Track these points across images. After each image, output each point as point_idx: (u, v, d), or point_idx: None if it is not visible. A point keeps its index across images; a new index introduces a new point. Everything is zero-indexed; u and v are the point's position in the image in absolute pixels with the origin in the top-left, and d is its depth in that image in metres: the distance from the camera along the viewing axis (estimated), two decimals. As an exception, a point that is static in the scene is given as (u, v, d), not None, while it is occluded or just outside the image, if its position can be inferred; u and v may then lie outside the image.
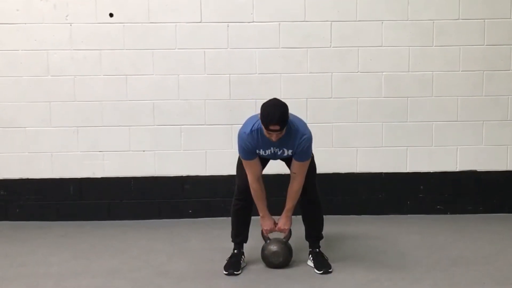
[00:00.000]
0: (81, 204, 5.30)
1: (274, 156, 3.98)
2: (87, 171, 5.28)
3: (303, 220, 4.17)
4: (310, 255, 4.12)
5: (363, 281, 3.84)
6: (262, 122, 3.69)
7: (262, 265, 4.12)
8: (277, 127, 3.65)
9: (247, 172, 3.96)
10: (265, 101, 3.78)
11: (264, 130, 3.73)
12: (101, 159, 5.27)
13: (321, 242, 4.18)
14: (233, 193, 4.14)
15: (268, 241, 4.14)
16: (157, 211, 5.33)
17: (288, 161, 4.04)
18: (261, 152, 3.91)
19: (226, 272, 3.97)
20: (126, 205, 5.32)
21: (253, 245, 4.29)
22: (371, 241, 4.65)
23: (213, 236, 4.81)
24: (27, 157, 5.24)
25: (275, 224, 4.14)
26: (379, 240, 4.68)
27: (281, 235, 4.19)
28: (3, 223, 5.25)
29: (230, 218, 4.19)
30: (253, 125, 3.86)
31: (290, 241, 4.16)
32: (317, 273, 3.98)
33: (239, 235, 4.15)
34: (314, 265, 4.05)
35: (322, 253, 4.12)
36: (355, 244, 4.57)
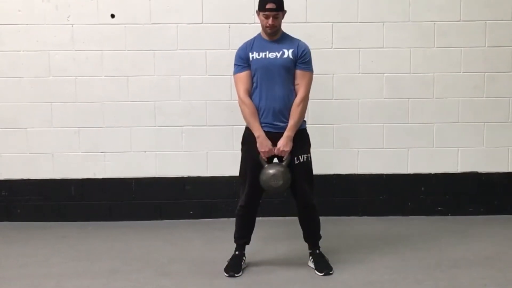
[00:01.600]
0: (82, 205, 5.31)
1: (271, 67, 3.90)
2: (88, 172, 5.28)
3: (300, 224, 4.14)
4: (311, 257, 4.11)
5: (365, 282, 3.84)
6: (259, 6, 3.89)
7: (263, 267, 4.12)
8: (272, 5, 3.82)
9: (238, 88, 3.98)
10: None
11: (262, 18, 3.88)
12: (102, 160, 5.27)
13: (322, 244, 4.16)
14: (235, 194, 4.14)
15: (266, 165, 3.90)
16: (158, 212, 5.34)
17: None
18: (255, 55, 3.94)
19: (227, 274, 3.97)
20: (127, 206, 5.32)
21: (254, 247, 4.29)
22: (372, 242, 4.65)
23: (214, 237, 4.81)
24: (29, 157, 5.25)
25: (274, 146, 3.91)
26: (380, 241, 4.68)
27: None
28: (4, 223, 5.25)
29: (231, 219, 4.19)
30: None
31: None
32: (318, 274, 3.98)
33: (243, 238, 4.14)
34: (315, 266, 4.04)
35: (323, 255, 4.12)
36: (356, 245, 4.57)
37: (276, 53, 3.93)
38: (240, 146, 4.12)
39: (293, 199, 4.05)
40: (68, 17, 5.14)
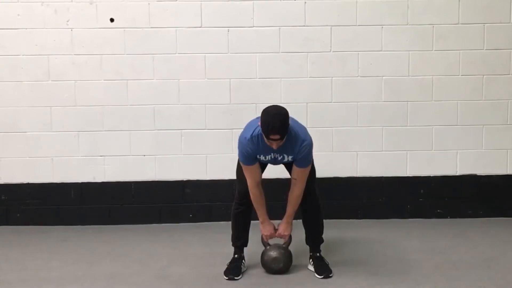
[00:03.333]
0: (82, 209, 5.31)
1: (275, 161, 3.97)
2: (88, 175, 5.28)
3: (304, 224, 4.17)
4: (311, 260, 4.13)
5: (364, 285, 3.84)
6: (263, 131, 3.69)
7: (262, 270, 4.13)
8: (277, 137, 3.66)
9: (247, 177, 3.96)
10: (266, 106, 3.79)
11: (265, 138, 3.73)
12: (101, 164, 5.27)
13: (322, 246, 4.19)
14: (234, 197, 4.15)
15: (268, 247, 4.12)
16: (158, 215, 5.34)
17: (288, 166, 4.04)
18: (261, 157, 3.91)
19: (227, 278, 3.97)
20: (126, 210, 5.32)
21: (253, 250, 4.29)
22: (372, 245, 4.65)
23: (213, 240, 4.81)
24: (28, 161, 5.25)
25: (275, 229, 4.13)
26: (380, 244, 4.69)
27: (281, 241, 4.18)
28: (4, 227, 5.25)
29: (230, 222, 4.20)
30: (254, 130, 3.85)
31: (290, 245, 4.16)
32: (317, 277, 3.99)
33: (240, 239, 4.16)
34: (314, 269, 4.05)
35: (323, 258, 4.13)
36: (355, 248, 4.58)
37: (278, 155, 3.89)
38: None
39: None
40: (67, 21, 5.15)
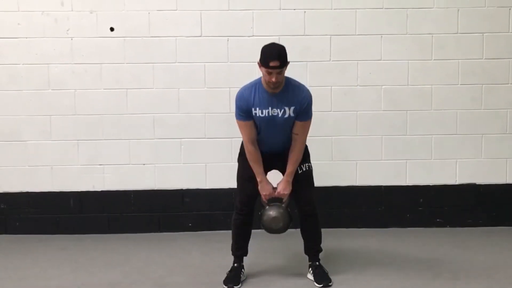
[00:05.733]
0: (81, 217, 5.30)
1: (273, 122, 3.88)
2: (87, 184, 5.28)
3: (302, 234, 4.16)
4: (310, 269, 4.11)
5: (363, 295, 3.85)
6: (262, 61, 3.74)
7: (262, 279, 4.12)
8: (276, 63, 3.69)
9: (242, 134, 3.95)
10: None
11: (264, 73, 3.76)
12: (101, 172, 5.27)
13: (321, 256, 4.17)
14: (233, 206, 4.15)
15: (267, 207, 4.00)
16: (157, 224, 5.33)
17: (283, 165, 4.01)
18: (258, 112, 3.86)
19: (226, 287, 3.97)
20: (126, 218, 5.31)
21: (253, 259, 4.29)
22: (371, 254, 4.65)
23: (213, 249, 4.81)
24: (27, 170, 5.25)
25: (274, 189, 4.00)
26: (379, 253, 4.68)
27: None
28: (2, 236, 5.24)
29: (230, 231, 4.19)
30: (251, 82, 3.94)
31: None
32: (317, 286, 3.98)
33: (240, 249, 4.14)
34: (314, 278, 4.04)
35: (322, 267, 4.11)
36: (355, 257, 4.57)
37: (278, 110, 3.87)
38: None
39: (296, 207, 4.08)
40: (67, 30, 5.16)
